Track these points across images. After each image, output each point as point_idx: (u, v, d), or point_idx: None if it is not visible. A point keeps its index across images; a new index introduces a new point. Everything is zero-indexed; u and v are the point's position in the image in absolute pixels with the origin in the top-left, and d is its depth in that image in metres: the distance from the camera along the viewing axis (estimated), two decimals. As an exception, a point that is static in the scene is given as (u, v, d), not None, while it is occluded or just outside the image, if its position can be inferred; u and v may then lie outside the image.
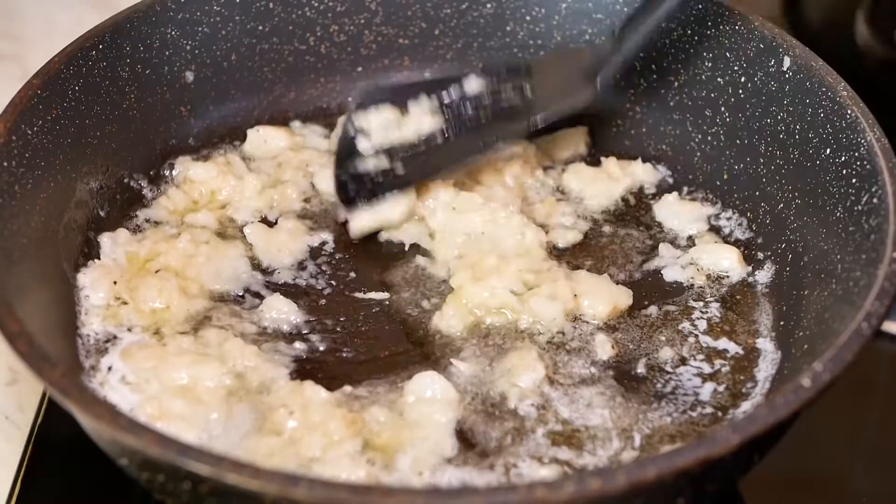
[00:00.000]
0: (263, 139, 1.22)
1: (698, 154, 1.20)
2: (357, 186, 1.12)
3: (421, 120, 1.11)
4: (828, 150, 1.03)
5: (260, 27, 1.24)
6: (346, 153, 1.12)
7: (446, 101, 1.11)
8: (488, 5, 1.28)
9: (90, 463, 0.91)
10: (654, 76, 1.22)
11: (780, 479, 1.00)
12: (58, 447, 1.01)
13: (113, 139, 1.12)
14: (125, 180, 1.14)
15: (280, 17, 1.25)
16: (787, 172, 1.09)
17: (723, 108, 1.17)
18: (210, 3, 1.20)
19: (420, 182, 1.12)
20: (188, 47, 1.20)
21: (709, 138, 1.19)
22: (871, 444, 1.07)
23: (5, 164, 0.95)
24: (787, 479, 1.01)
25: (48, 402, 1.04)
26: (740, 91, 1.15)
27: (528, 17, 1.27)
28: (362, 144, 1.11)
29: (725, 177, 1.16)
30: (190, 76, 1.21)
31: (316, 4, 1.26)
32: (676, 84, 1.21)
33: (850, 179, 0.98)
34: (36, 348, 0.81)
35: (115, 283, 1.03)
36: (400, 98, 1.12)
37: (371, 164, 1.11)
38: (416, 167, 1.11)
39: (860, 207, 0.96)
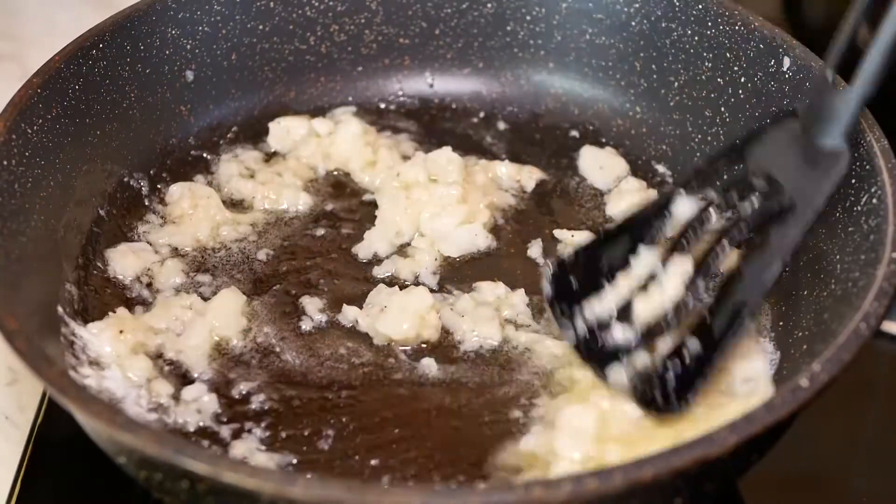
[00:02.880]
0: (286, 130, 1.23)
1: (698, 154, 1.19)
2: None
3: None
4: (827, 151, 1.02)
5: (260, 26, 1.24)
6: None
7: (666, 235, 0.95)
8: (489, 5, 1.28)
9: (90, 463, 0.91)
10: (654, 76, 1.22)
11: (780, 479, 1.00)
12: (58, 447, 1.01)
13: (113, 138, 1.12)
14: (125, 179, 1.14)
15: (280, 17, 1.25)
16: (787, 173, 1.08)
17: (723, 108, 1.17)
18: (210, 3, 1.20)
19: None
20: (188, 46, 1.20)
21: (709, 138, 1.19)
22: (871, 444, 1.07)
23: (5, 162, 0.95)
24: (787, 479, 1.01)
25: (48, 402, 1.04)
26: (740, 91, 1.15)
27: (528, 17, 1.27)
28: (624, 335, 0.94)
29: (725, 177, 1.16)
30: (190, 75, 1.21)
31: (316, 4, 1.26)
32: (676, 84, 1.21)
33: (849, 180, 0.98)
34: (34, 346, 0.81)
35: (120, 332, 1.00)
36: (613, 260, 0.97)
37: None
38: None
39: (859, 208, 0.96)
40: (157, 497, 0.85)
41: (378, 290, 1.05)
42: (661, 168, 1.22)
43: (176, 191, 1.15)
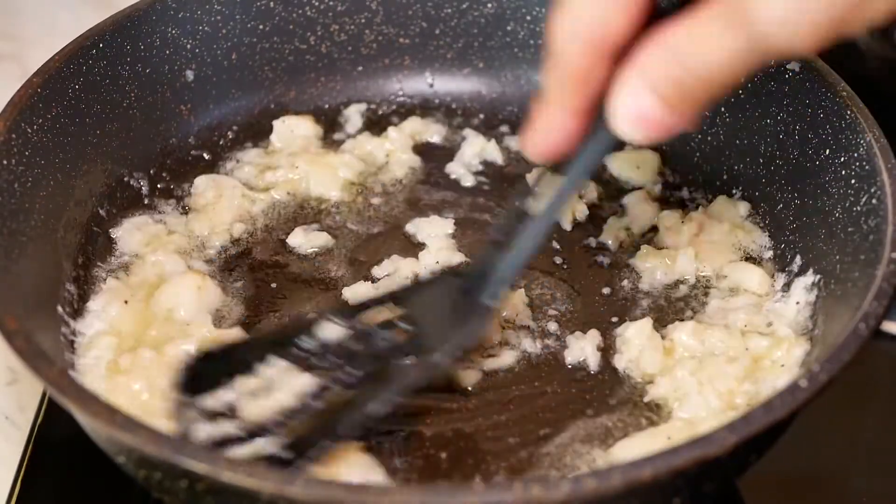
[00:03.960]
0: (290, 129, 1.23)
1: (698, 154, 1.19)
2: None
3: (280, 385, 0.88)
4: (827, 151, 1.02)
5: (260, 26, 1.24)
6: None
7: (303, 354, 0.89)
8: (489, 5, 1.28)
9: (90, 463, 0.91)
10: (655, 76, 1.22)
11: (780, 479, 1.00)
12: (58, 447, 1.01)
13: (113, 138, 1.12)
14: (125, 179, 1.14)
15: (281, 17, 1.25)
16: (787, 173, 1.08)
17: (723, 108, 1.16)
18: (210, 2, 1.20)
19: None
20: (188, 46, 1.20)
21: (709, 138, 1.18)
22: (871, 444, 1.06)
23: (5, 162, 0.95)
24: (787, 479, 1.01)
25: (48, 402, 1.04)
26: (740, 91, 1.14)
27: (528, 17, 1.27)
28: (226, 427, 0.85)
29: (725, 177, 1.16)
30: (190, 75, 1.21)
31: (316, 4, 1.26)
32: (676, 84, 1.21)
33: (849, 180, 0.98)
34: (33, 346, 0.81)
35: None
36: (241, 364, 0.88)
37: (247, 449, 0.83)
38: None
39: (859, 208, 0.96)
40: (157, 497, 0.85)
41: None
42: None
43: (182, 189, 1.16)
